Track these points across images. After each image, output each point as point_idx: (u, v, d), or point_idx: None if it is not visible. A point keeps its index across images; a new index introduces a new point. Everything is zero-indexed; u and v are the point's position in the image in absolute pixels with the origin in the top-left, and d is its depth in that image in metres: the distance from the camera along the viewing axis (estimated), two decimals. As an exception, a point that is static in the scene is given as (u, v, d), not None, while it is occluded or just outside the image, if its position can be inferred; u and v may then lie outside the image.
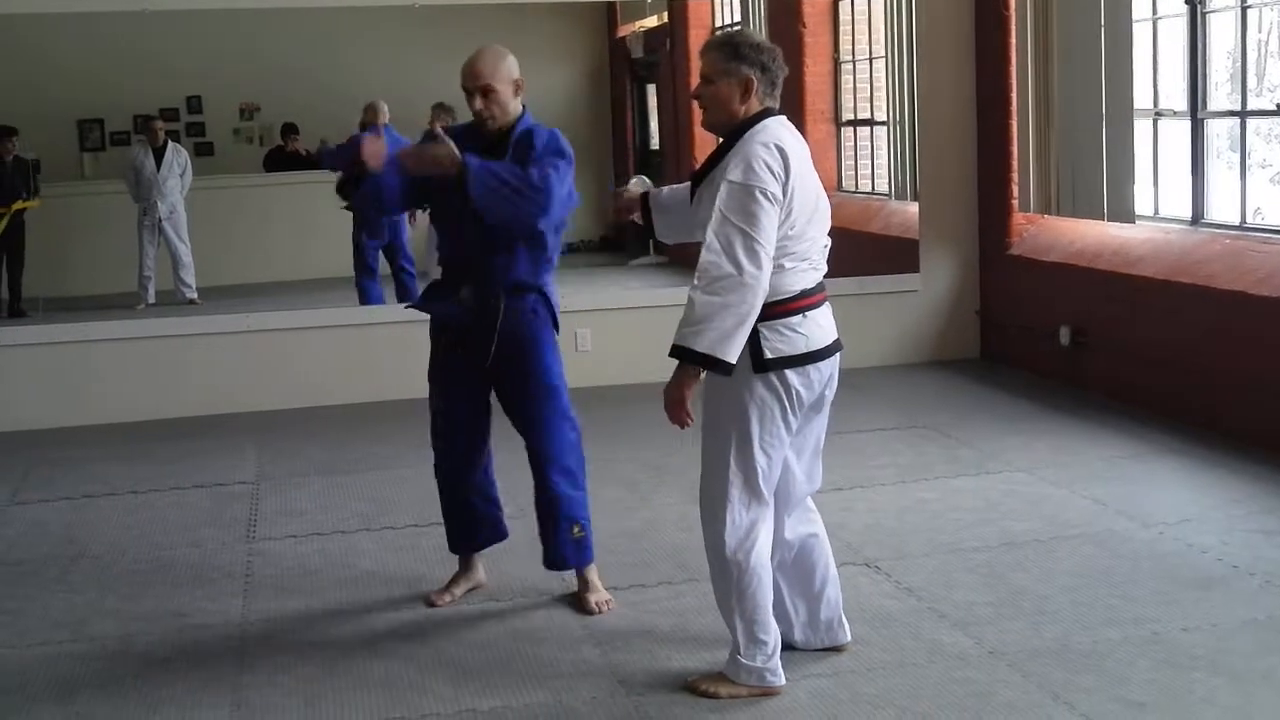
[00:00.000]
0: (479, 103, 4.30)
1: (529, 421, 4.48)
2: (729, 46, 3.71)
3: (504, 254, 4.35)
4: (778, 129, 3.69)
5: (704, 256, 3.56)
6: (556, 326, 4.51)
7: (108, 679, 4.13)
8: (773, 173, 3.57)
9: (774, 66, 3.71)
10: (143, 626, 4.54)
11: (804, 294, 3.70)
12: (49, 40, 12.62)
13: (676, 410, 3.63)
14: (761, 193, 3.54)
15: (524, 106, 4.41)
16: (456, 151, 4.14)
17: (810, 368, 3.70)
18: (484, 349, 4.37)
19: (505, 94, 4.32)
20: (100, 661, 4.26)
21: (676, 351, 3.57)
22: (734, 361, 3.54)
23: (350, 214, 9.59)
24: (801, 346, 3.68)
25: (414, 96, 10.70)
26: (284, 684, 4.01)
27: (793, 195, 3.60)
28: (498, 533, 4.73)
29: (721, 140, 3.75)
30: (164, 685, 4.04)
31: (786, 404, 3.69)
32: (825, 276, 3.81)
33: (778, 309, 3.64)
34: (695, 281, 3.55)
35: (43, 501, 6.15)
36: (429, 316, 4.56)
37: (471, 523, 4.66)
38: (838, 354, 3.81)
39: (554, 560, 4.57)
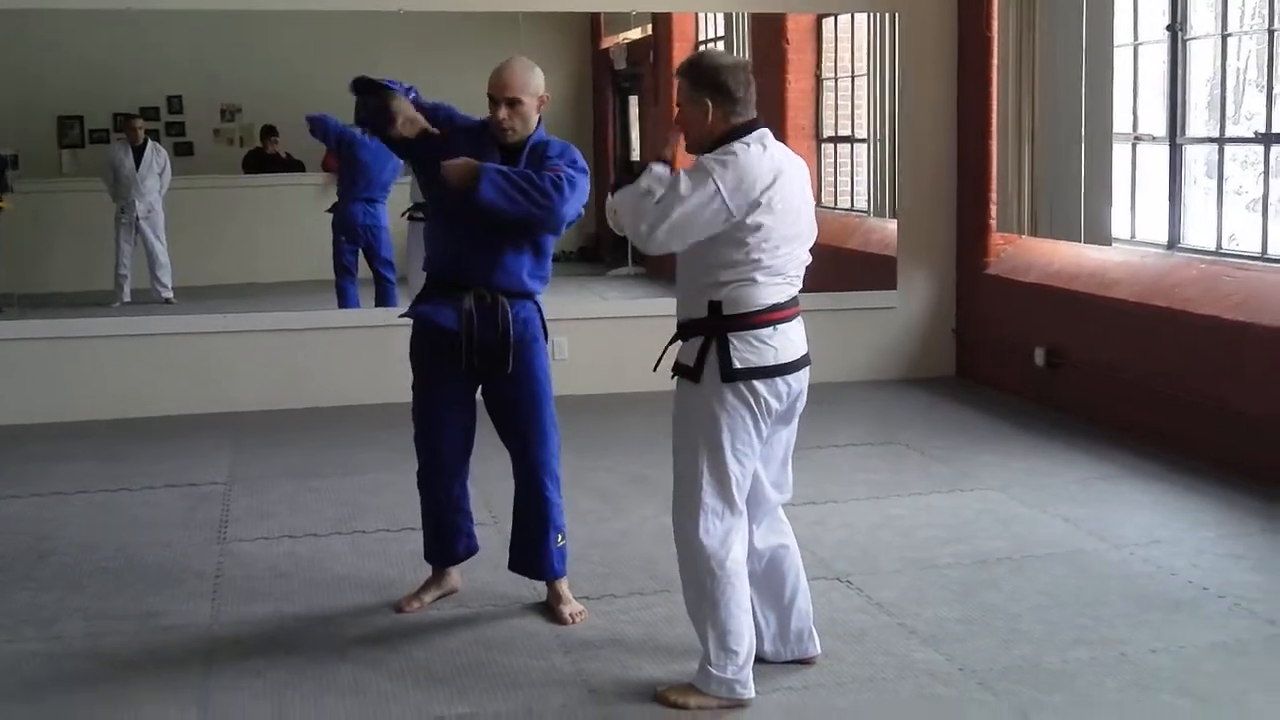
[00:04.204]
0: (504, 113, 4.28)
1: (523, 427, 4.47)
2: (688, 72, 3.77)
3: (510, 259, 4.35)
4: (757, 142, 3.73)
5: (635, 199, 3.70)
6: (546, 334, 4.52)
7: (74, 678, 4.11)
8: (737, 175, 3.62)
9: (731, 83, 3.70)
10: (111, 626, 4.51)
11: (775, 308, 3.73)
12: (30, 36, 12.53)
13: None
14: (714, 181, 3.59)
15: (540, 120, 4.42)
16: (475, 164, 4.16)
17: (779, 379, 3.73)
18: (497, 356, 4.35)
19: (530, 107, 4.32)
20: (67, 660, 4.23)
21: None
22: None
23: (330, 215, 9.63)
24: (770, 359, 3.71)
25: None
26: (252, 687, 3.99)
27: (770, 206, 3.63)
28: (471, 546, 4.72)
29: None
30: (131, 686, 4.02)
31: (756, 412, 3.71)
32: (802, 291, 3.83)
33: (749, 320, 3.67)
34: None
35: (13, 498, 6.11)
36: (414, 322, 4.51)
37: (450, 536, 4.64)
38: (806, 368, 3.84)
39: (539, 570, 4.55)
